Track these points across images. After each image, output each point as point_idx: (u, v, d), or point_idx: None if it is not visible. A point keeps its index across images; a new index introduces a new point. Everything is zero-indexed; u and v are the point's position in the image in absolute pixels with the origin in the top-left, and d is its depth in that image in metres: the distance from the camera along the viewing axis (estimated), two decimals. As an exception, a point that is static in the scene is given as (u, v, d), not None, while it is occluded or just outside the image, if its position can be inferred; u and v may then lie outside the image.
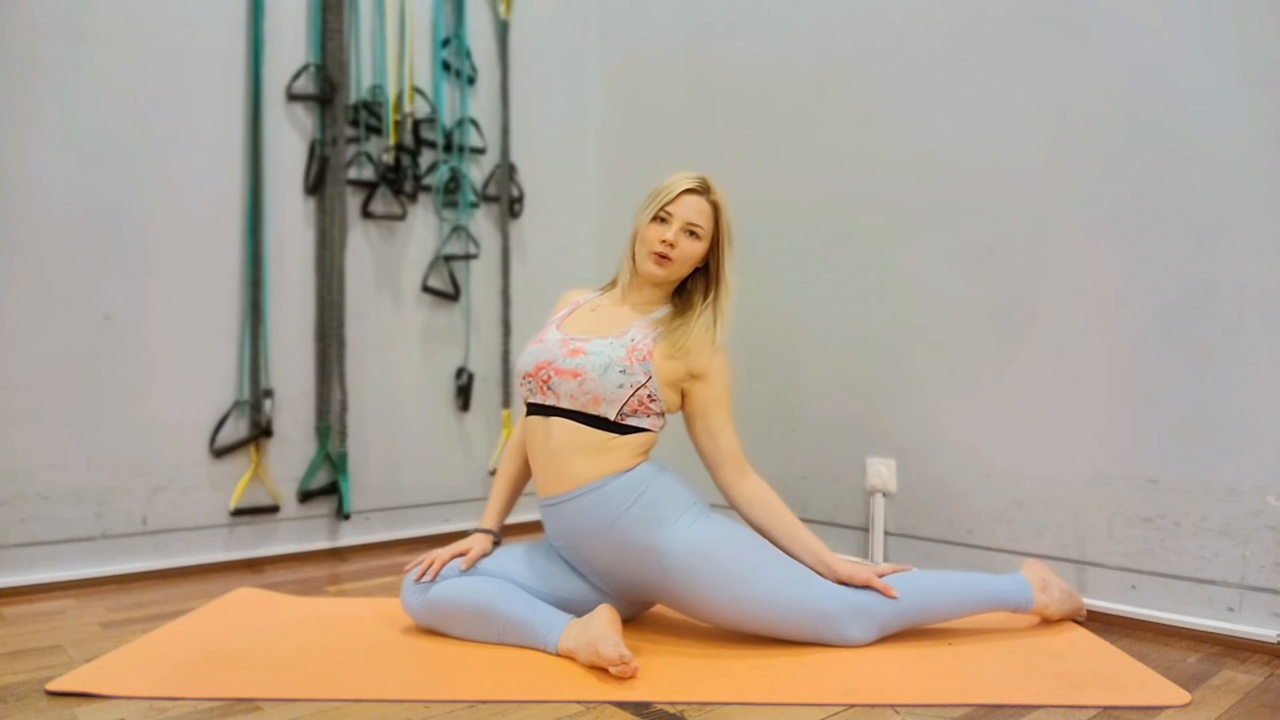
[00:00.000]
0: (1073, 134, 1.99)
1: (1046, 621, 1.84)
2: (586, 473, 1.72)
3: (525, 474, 1.96)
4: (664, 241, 1.78)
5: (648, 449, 1.80)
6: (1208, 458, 1.80)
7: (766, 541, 1.76)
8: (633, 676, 1.53)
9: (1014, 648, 1.70)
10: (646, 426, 1.78)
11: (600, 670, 1.56)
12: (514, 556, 1.83)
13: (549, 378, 1.76)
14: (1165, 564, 1.85)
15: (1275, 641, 1.70)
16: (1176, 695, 1.47)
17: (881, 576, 1.73)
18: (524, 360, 1.83)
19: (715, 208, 1.84)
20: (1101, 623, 1.88)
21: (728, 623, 1.72)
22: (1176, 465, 1.84)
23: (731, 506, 1.85)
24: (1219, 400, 1.78)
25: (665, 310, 1.85)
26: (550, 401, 1.77)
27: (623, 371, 1.72)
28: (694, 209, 1.80)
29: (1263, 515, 1.73)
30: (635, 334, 1.79)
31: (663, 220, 1.80)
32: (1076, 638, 1.77)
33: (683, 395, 1.83)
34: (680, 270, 1.82)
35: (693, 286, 1.88)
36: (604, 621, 1.61)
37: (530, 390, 1.81)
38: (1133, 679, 1.54)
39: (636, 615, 1.89)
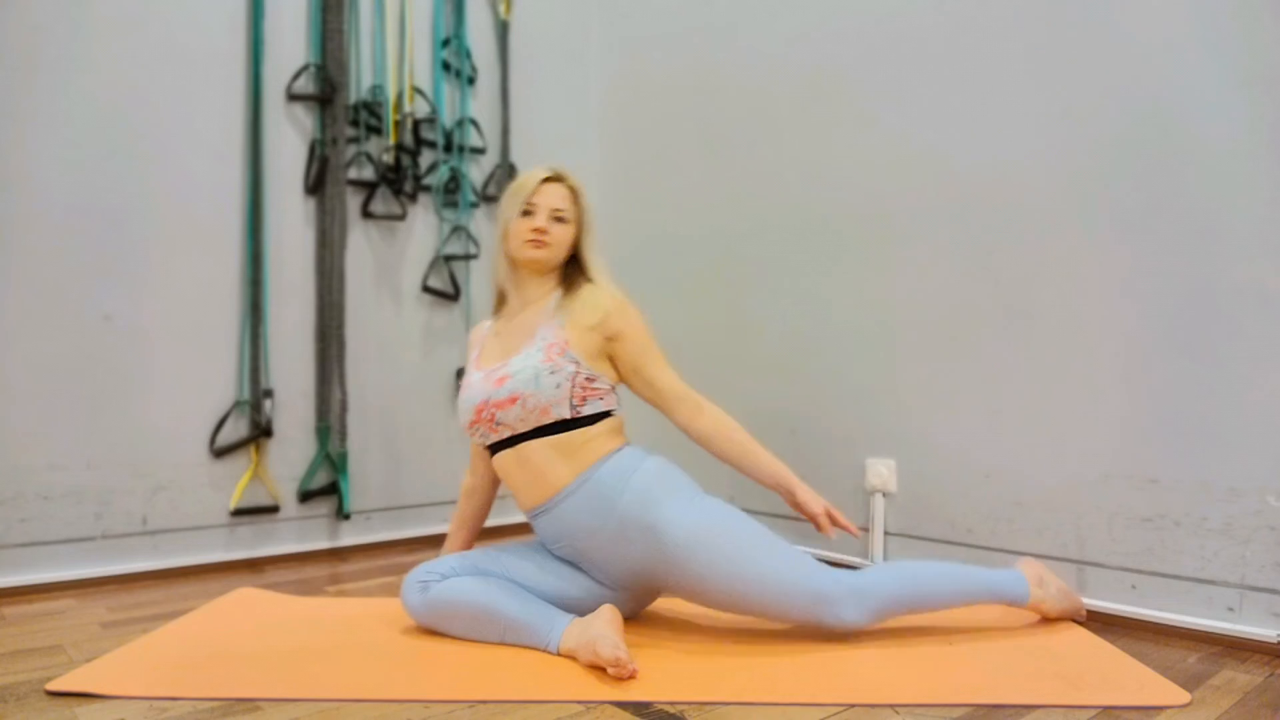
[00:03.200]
0: (1073, 135, 1.99)
1: (1045, 619, 1.84)
2: (570, 472, 1.76)
3: (483, 513, 2.05)
4: (534, 230, 1.83)
5: (619, 429, 1.84)
6: (1208, 458, 1.80)
7: (763, 527, 1.76)
8: (630, 677, 1.53)
9: (1014, 648, 1.70)
10: (604, 408, 1.81)
11: (600, 670, 1.56)
12: (515, 555, 1.82)
13: (492, 415, 1.78)
14: (1165, 564, 1.85)
15: (1275, 641, 1.70)
16: (1176, 695, 1.47)
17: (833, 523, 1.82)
18: (461, 413, 1.85)
19: (574, 193, 1.89)
20: (1101, 623, 1.88)
21: (725, 603, 1.71)
22: (1176, 465, 1.84)
23: (696, 443, 1.88)
24: (1219, 400, 1.78)
25: (558, 294, 1.88)
26: (506, 434, 1.79)
27: (552, 372, 1.75)
28: (556, 196, 1.87)
29: (1263, 515, 1.73)
30: (544, 332, 1.81)
31: (528, 213, 1.85)
32: (1076, 638, 1.77)
33: (612, 361, 1.86)
34: (557, 253, 1.87)
35: (571, 275, 1.91)
36: (604, 621, 1.62)
37: (483, 435, 1.82)
38: (1133, 679, 1.54)
39: (639, 610, 1.89)
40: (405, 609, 1.80)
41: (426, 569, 1.79)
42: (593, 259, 1.91)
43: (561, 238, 1.86)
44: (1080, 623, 1.87)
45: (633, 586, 1.80)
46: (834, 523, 1.81)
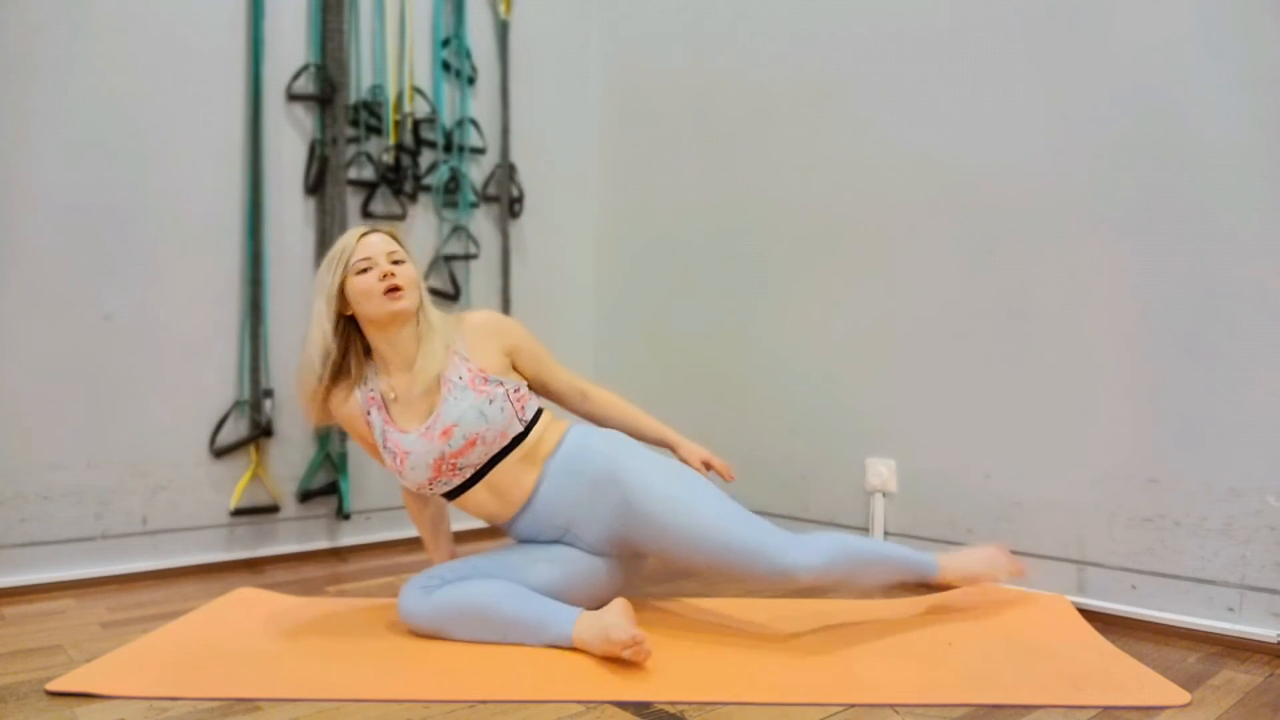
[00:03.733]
0: (1073, 135, 1.99)
1: (976, 582, 1.95)
2: (536, 471, 1.84)
3: (445, 518, 2.07)
4: (384, 275, 1.75)
5: (553, 416, 1.93)
6: (1208, 458, 1.80)
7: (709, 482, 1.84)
8: (647, 656, 1.55)
9: (1014, 648, 1.70)
10: (538, 406, 1.90)
11: (601, 670, 1.56)
12: (507, 555, 1.84)
13: (454, 465, 1.79)
14: (1165, 564, 1.85)
15: (1275, 641, 1.70)
16: (1176, 695, 1.47)
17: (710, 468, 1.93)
18: (413, 476, 1.80)
19: (393, 236, 1.85)
20: (1101, 623, 1.88)
21: (688, 550, 1.73)
22: (1176, 465, 1.84)
23: (591, 423, 1.99)
24: (1219, 400, 1.78)
25: (434, 337, 1.82)
26: (471, 474, 1.82)
27: (490, 402, 1.78)
28: (381, 243, 1.81)
29: (1263, 515, 1.73)
30: (453, 372, 1.79)
31: (365, 270, 1.77)
32: (1076, 638, 1.77)
33: (515, 370, 1.92)
34: (414, 293, 1.80)
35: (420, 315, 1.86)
36: (617, 611, 1.65)
37: (444, 484, 1.82)
38: (1133, 679, 1.54)
39: (634, 581, 1.95)
40: (403, 617, 1.77)
41: (428, 574, 1.80)
42: (426, 294, 1.87)
43: (410, 278, 1.80)
44: (1016, 582, 1.99)
45: (616, 549, 1.84)
46: (709, 467, 1.93)
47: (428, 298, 1.88)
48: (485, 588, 1.74)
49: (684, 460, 1.93)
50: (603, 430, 1.91)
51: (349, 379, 1.85)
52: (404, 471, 1.80)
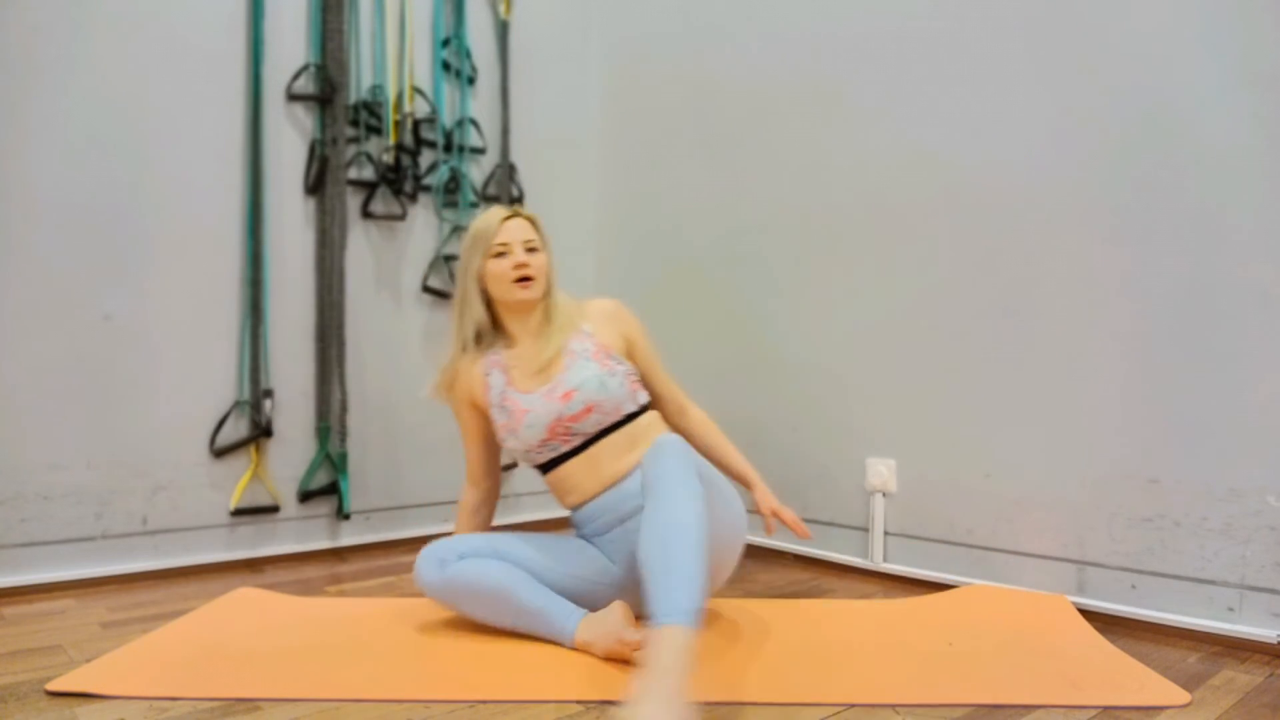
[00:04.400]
0: (1073, 134, 1.99)
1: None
2: (633, 457, 1.85)
3: (489, 524, 2.09)
4: (517, 265, 1.88)
5: (659, 420, 1.94)
6: (1208, 458, 1.80)
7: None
8: None
9: (1014, 648, 1.70)
10: (648, 398, 1.94)
11: (601, 670, 1.56)
12: (530, 544, 1.83)
13: (568, 429, 1.84)
14: (1165, 564, 1.85)
15: (1275, 641, 1.70)
16: (1176, 695, 1.47)
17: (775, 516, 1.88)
18: (527, 435, 1.86)
19: (533, 223, 1.96)
20: (1101, 623, 1.88)
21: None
22: (1176, 465, 1.84)
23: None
24: (1219, 400, 1.78)
25: (559, 316, 1.94)
26: (580, 441, 1.86)
27: (612, 375, 1.85)
28: (520, 229, 1.92)
29: (1263, 515, 1.73)
30: (578, 347, 1.90)
31: (502, 254, 1.89)
32: (1076, 638, 1.77)
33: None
34: (543, 282, 1.92)
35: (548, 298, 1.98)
36: (620, 613, 1.65)
37: (553, 449, 1.87)
38: (1133, 679, 1.54)
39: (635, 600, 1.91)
40: (418, 583, 1.78)
41: (446, 546, 1.79)
42: (555, 281, 1.98)
43: (543, 268, 1.92)
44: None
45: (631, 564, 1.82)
46: (778, 518, 1.87)
47: (558, 282, 1.99)
48: (500, 572, 1.74)
49: (755, 503, 1.91)
50: (688, 448, 1.67)
51: (480, 346, 1.98)
52: (518, 430, 1.86)
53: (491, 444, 2.04)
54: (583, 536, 1.91)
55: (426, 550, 1.79)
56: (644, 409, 1.90)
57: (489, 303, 1.96)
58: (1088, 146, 1.96)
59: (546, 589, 1.75)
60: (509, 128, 2.95)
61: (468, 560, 1.76)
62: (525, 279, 1.89)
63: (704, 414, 2.03)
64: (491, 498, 2.07)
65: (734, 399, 2.65)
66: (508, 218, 1.93)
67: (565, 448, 1.86)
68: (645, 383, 1.99)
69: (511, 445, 1.91)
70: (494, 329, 1.98)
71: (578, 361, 1.87)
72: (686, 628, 1.33)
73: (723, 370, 2.70)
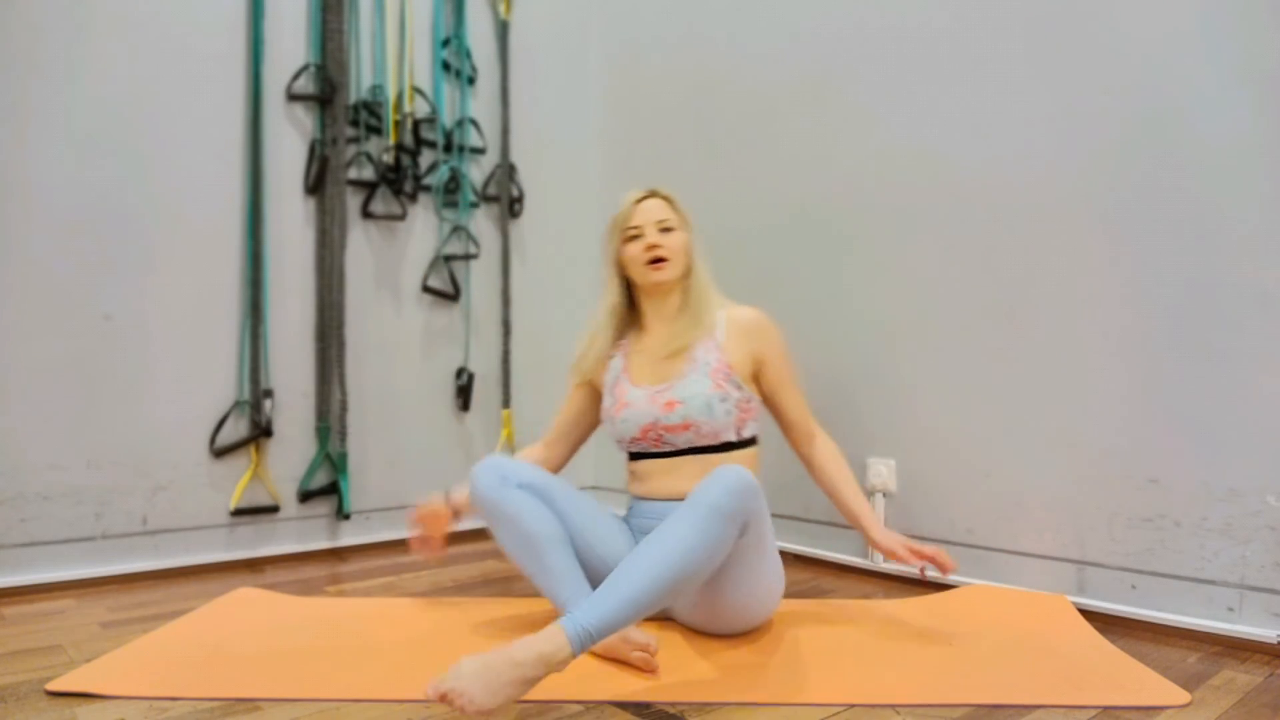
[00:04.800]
0: (1073, 134, 1.99)
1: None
2: None
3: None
4: (648, 247, 1.85)
5: (756, 460, 1.91)
6: (1208, 458, 1.80)
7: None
8: (653, 670, 1.54)
9: (1014, 647, 1.70)
10: (755, 431, 1.91)
11: (601, 670, 1.56)
12: (578, 507, 1.81)
13: (660, 436, 1.85)
14: (1165, 564, 1.85)
15: (1275, 641, 1.70)
16: (1176, 695, 1.47)
17: (914, 554, 1.77)
18: (621, 428, 1.89)
19: (670, 201, 1.93)
20: (1101, 623, 1.88)
21: (726, 608, 1.70)
22: (1176, 465, 1.84)
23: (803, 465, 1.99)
24: (1219, 400, 1.78)
25: (698, 308, 1.90)
26: (669, 450, 1.86)
27: (722, 400, 1.82)
28: (655, 209, 1.90)
29: (1263, 515, 1.73)
30: (702, 355, 1.85)
31: (635, 237, 1.89)
32: (1076, 638, 1.77)
33: (755, 381, 1.92)
34: (680, 261, 1.89)
35: (688, 283, 1.95)
36: None
37: (642, 447, 1.89)
38: (1133, 679, 1.54)
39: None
40: (473, 487, 1.76)
41: (510, 466, 1.77)
42: (702, 266, 1.94)
43: (677, 247, 1.89)
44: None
45: None
46: (920, 556, 1.75)
47: (703, 265, 1.94)
48: (546, 523, 1.72)
49: (878, 546, 1.81)
50: (745, 490, 1.53)
51: (615, 329, 1.98)
52: (615, 419, 1.88)
53: (581, 425, 2.05)
54: (627, 522, 1.92)
55: (490, 461, 1.78)
56: (746, 443, 1.87)
57: (630, 287, 1.96)
58: (1089, 146, 1.96)
59: (576, 565, 1.73)
60: (509, 128, 2.95)
61: (525, 492, 1.75)
62: (658, 260, 1.86)
63: (834, 446, 1.96)
64: (549, 466, 2.04)
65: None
66: (641, 199, 1.92)
67: (654, 449, 1.87)
68: (771, 405, 1.94)
69: (608, 430, 1.93)
70: (631, 313, 1.98)
71: (695, 372, 1.84)
72: (572, 642, 1.33)
73: (723, 370, 2.70)
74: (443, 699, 1.25)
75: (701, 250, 1.97)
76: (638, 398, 1.86)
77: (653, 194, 1.94)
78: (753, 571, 1.66)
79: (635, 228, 1.89)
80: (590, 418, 2.07)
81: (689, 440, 1.83)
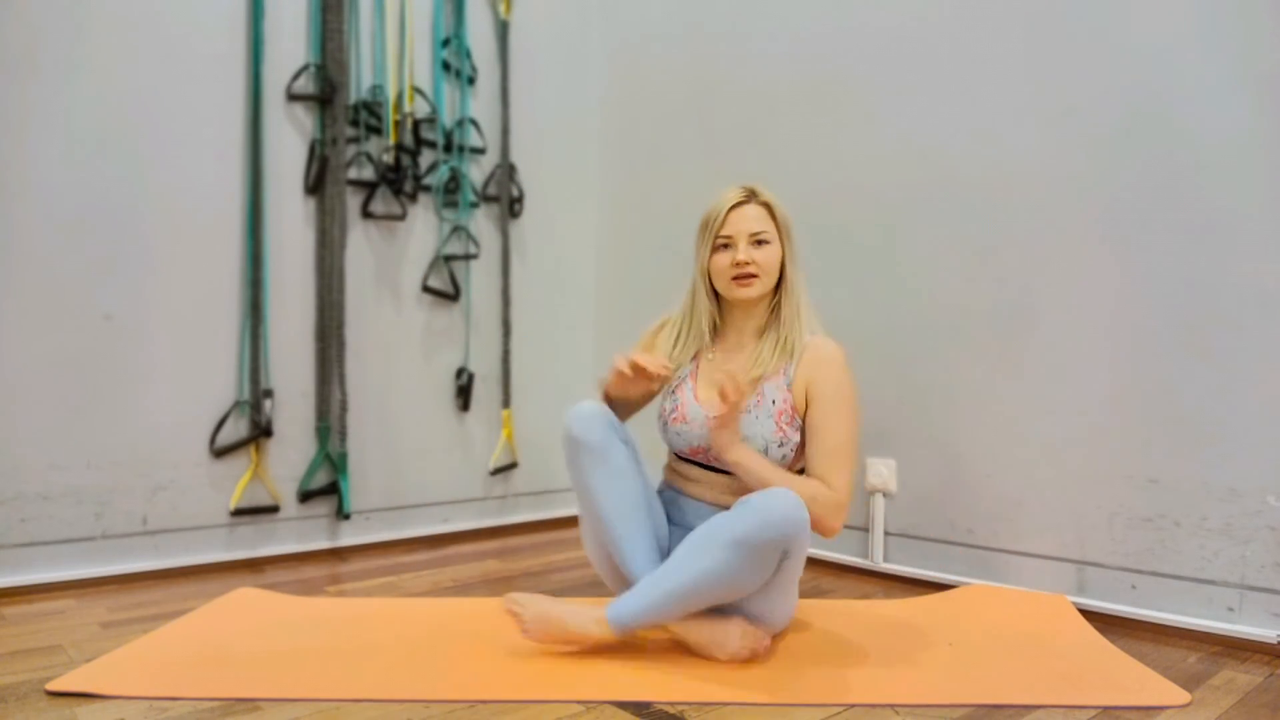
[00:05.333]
0: (1073, 134, 1.99)
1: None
2: None
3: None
4: (737, 263, 1.73)
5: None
6: (1208, 458, 1.80)
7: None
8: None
9: (1014, 648, 1.70)
10: (801, 468, 1.75)
11: (601, 670, 1.56)
12: (643, 483, 1.75)
13: (708, 457, 1.77)
14: (1165, 564, 1.85)
15: (1275, 641, 1.70)
16: (1176, 695, 1.47)
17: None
18: (674, 439, 1.81)
19: (769, 208, 1.78)
20: (1101, 623, 1.88)
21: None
22: (1176, 465, 1.84)
23: None
24: (1219, 400, 1.78)
25: (783, 332, 1.76)
26: (718, 466, 1.76)
27: (780, 444, 1.71)
28: (751, 218, 1.75)
29: (1263, 515, 1.73)
30: (772, 392, 1.72)
31: (725, 246, 1.76)
32: (1076, 638, 1.77)
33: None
34: (769, 281, 1.75)
35: (779, 302, 1.81)
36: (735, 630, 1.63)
37: (688, 458, 1.81)
38: (1133, 679, 1.54)
39: None
40: (573, 425, 1.69)
41: (613, 418, 1.72)
42: (798, 280, 1.79)
43: (769, 263, 1.74)
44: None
45: None
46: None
47: (799, 282, 1.79)
48: (637, 488, 1.69)
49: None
50: (794, 519, 1.53)
51: (696, 334, 1.85)
52: (670, 426, 1.80)
53: (643, 396, 1.84)
54: (664, 503, 1.84)
55: (594, 406, 1.71)
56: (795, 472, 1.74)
57: (717, 294, 1.82)
58: (1089, 145, 1.96)
59: (652, 535, 1.71)
60: (509, 128, 2.95)
61: (627, 452, 1.71)
62: (746, 276, 1.73)
63: (826, 493, 1.67)
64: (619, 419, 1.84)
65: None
66: (737, 204, 1.76)
67: (703, 462, 1.79)
68: (803, 440, 1.74)
69: (658, 426, 1.83)
70: (718, 322, 1.85)
71: (761, 409, 1.72)
72: (614, 630, 1.60)
73: (723, 370, 2.70)
74: (509, 612, 1.62)
75: (800, 263, 1.81)
76: (696, 416, 1.76)
77: (751, 197, 1.78)
78: (770, 596, 1.64)
79: (727, 238, 1.75)
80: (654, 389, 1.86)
81: (736, 470, 1.71)
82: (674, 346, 1.87)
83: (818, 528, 1.64)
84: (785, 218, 1.79)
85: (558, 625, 1.61)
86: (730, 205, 1.76)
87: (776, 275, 1.77)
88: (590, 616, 1.61)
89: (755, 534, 1.51)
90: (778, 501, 1.52)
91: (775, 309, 1.80)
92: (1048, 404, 2.02)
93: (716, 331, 1.86)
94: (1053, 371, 2.02)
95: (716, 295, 1.84)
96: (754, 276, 1.73)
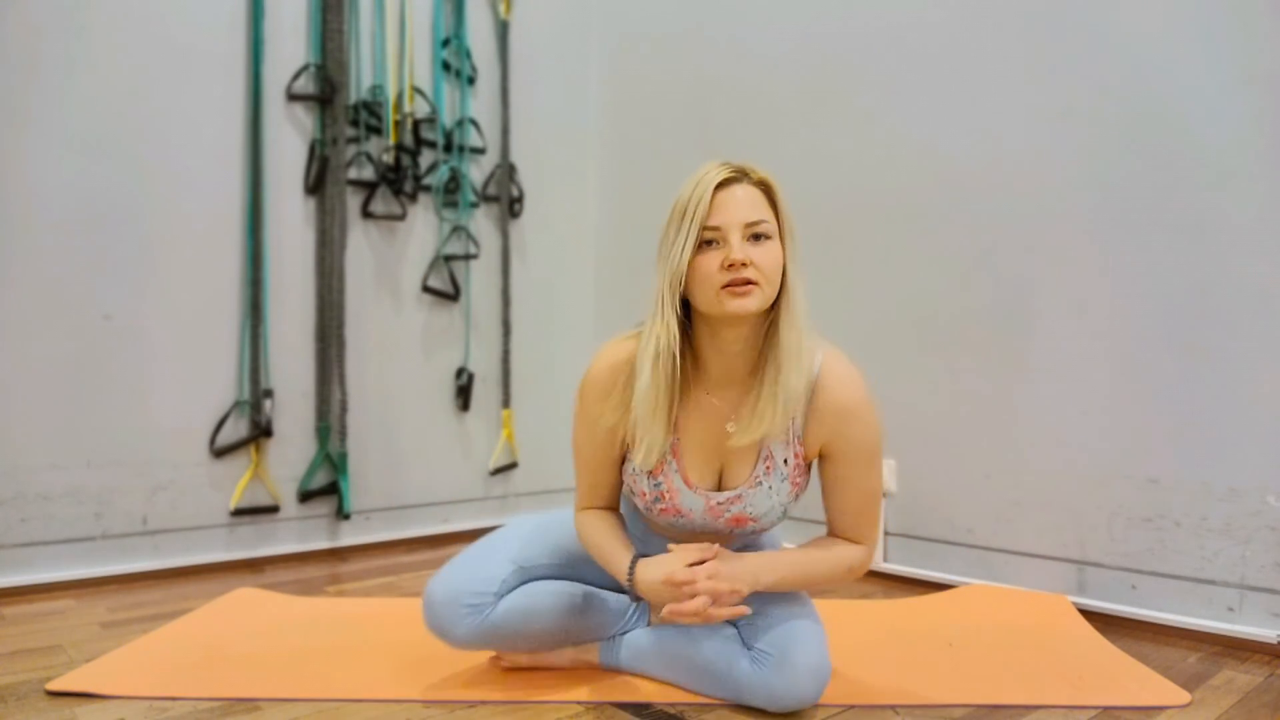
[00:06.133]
0: (1073, 134, 1.99)
1: None
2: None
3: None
4: (730, 265, 1.25)
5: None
6: (1208, 458, 1.80)
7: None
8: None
9: (1014, 648, 1.70)
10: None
11: (600, 671, 1.56)
12: (568, 537, 1.52)
13: (705, 538, 1.45)
14: (1165, 564, 1.85)
15: (1275, 641, 1.70)
16: (1176, 695, 1.47)
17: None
18: (662, 527, 1.47)
19: (767, 190, 1.32)
20: (1101, 623, 1.88)
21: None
22: (1176, 465, 1.84)
23: None
24: (1219, 400, 1.78)
25: (783, 368, 1.31)
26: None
27: (797, 498, 1.42)
28: (745, 204, 1.28)
29: (1263, 515, 1.73)
30: (781, 448, 1.37)
31: (711, 243, 1.27)
32: (1076, 638, 1.77)
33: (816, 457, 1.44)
34: (772, 287, 1.29)
35: (775, 315, 1.34)
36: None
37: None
38: (1133, 679, 1.54)
39: None
40: (442, 637, 1.45)
41: (473, 589, 1.43)
42: (800, 289, 1.33)
43: (770, 264, 1.28)
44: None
45: None
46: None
47: (800, 290, 1.32)
48: (545, 605, 1.45)
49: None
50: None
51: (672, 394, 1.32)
52: (655, 515, 1.42)
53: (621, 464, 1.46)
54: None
55: (449, 599, 1.42)
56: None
57: (686, 311, 1.32)
58: (1088, 144, 1.96)
59: (597, 598, 1.51)
60: (509, 128, 2.95)
61: (505, 601, 1.44)
62: (742, 284, 1.25)
63: (861, 556, 1.43)
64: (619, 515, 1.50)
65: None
66: (726, 181, 1.28)
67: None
68: (823, 491, 1.45)
69: (635, 503, 1.45)
70: (684, 347, 1.31)
71: (772, 478, 1.37)
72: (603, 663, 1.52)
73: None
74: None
75: (802, 266, 1.34)
76: (695, 506, 1.38)
77: (742, 175, 1.30)
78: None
79: (716, 229, 1.26)
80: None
81: (738, 536, 1.47)
82: (662, 433, 1.33)
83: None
84: (786, 205, 1.33)
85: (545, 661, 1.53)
86: (716, 183, 1.28)
87: (779, 283, 1.30)
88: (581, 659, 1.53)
89: (766, 704, 1.35)
90: (801, 681, 1.31)
91: (771, 330, 1.33)
92: (1047, 404, 2.02)
93: (692, 365, 1.36)
94: (1052, 371, 2.02)
95: (687, 312, 1.33)
96: (753, 284, 1.26)
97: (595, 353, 1.42)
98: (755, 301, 1.27)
